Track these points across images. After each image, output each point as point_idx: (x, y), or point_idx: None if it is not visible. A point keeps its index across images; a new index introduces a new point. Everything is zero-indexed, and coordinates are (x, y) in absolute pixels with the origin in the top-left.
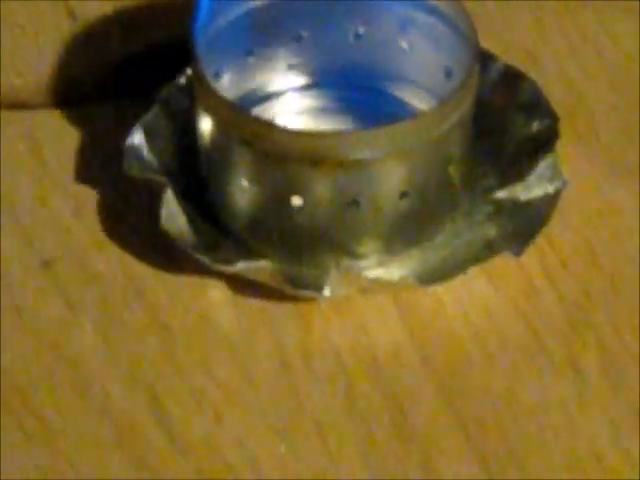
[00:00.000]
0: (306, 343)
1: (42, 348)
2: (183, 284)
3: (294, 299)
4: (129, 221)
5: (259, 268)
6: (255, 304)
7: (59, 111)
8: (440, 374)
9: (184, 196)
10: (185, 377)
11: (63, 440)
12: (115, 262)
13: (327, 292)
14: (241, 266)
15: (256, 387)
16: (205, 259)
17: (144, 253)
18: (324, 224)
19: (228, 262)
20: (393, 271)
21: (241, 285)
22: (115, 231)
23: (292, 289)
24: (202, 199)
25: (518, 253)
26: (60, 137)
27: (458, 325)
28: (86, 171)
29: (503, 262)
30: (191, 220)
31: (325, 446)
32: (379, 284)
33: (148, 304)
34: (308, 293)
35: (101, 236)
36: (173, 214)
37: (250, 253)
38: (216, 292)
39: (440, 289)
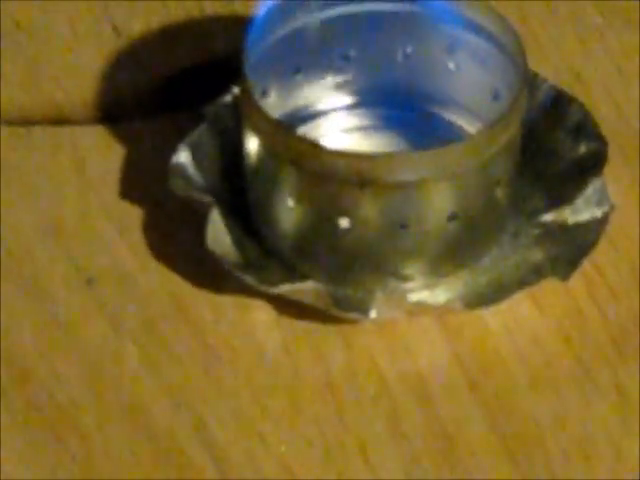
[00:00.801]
0: (350, 365)
1: (85, 366)
2: (228, 304)
3: (338, 320)
4: (174, 240)
5: (304, 289)
6: (300, 325)
7: (103, 127)
8: (486, 398)
9: (230, 215)
10: (229, 398)
11: (106, 459)
12: (159, 281)
13: (373, 314)
14: (286, 287)
15: (300, 409)
16: (251, 280)
17: (189, 272)
18: (371, 246)
19: (273, 283)
20: (439, 294)
21: (286, 306)
22: (159, 250)
23: (337, 311)
24: (248, 218)
25: (565, 278)
26: (104, 154)
27: (504, 349)
28: (130, 188)
29: (549, 286)
30: (237, 240)
31: (369, 468)
32: (425, 307)
33: (192, 324)
34: (354, 315)
35: (145, 254)
36: (219, 234)
37: (295, 274)
38: (261, 313)
39: (486, 312)
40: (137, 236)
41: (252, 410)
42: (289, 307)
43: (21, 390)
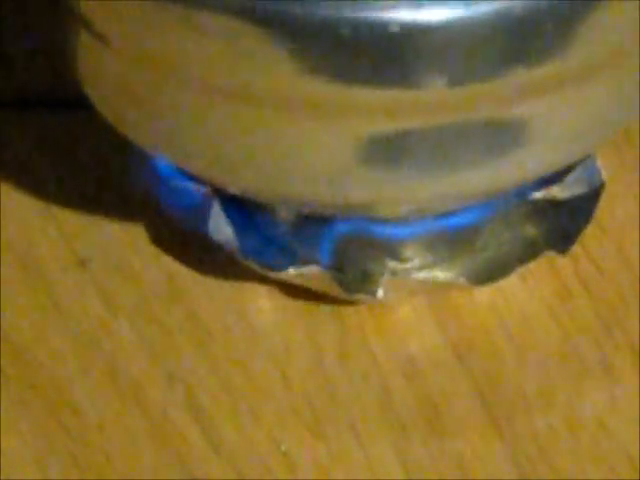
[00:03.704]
0: (342, 343)
1: (79, 345)
2: (221, 283)
3: (330, 300)
4: (167, 220)
5: (310, 273)
6: (291, 304)
7: (95, 111)
8: (474, 375)
9: (228, 202)
10: (221, 375)
11: (100, 434)
12: (153, 261)
13: (380, 295)
14: (292, 272)
15: (291, 386)
16: (256, 265)
17: (182, 252)
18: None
19: (278, 268)
20: (438, 273)
21: (278, 285)
22: (153, 230)
23: (345, 293)
24: (246, 206)
25: (564, 252)
26: (97, 137)
27: (492, 327)
28: (123, 171)
29: (537, 265)
30: (237, 226)
31: (360, 444)
32: (431, 285)
33: (185, 303)
34: (362, 297)
35: (139, 235)
36: (220, 222)
37: (296, 258)
38: (253, 291)
39: (475, 291)
40: (131, 217)
41: (244, 386)
42: (281, 286)
43: (17, 367)
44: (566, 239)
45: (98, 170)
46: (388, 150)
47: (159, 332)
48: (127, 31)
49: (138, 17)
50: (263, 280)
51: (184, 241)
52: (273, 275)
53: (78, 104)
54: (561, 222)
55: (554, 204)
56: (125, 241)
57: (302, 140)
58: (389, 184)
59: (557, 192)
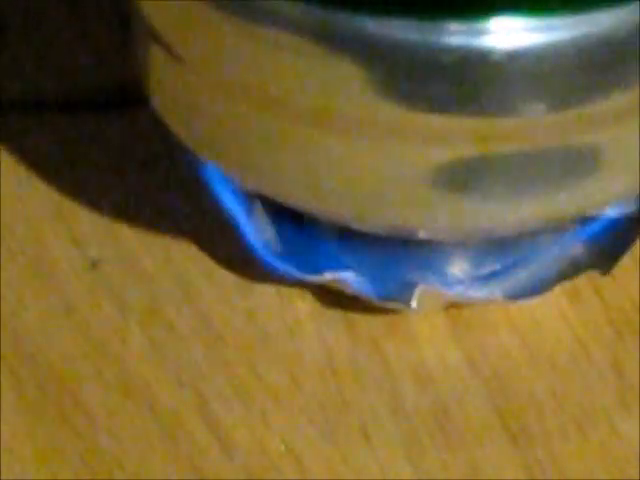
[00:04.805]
0: (353, 346)
1: (90, 347)
2: (232, 287)
3: (342, 304)
4: (178, 222)
5: (346, 278)
6: (303, 308)
7: (104, 113)
8: (486, 379)
9: (271, 204)
10: (232, 378)
11: (110, 437)
12: (164, 263)
13: (414, 305)
14: (328, 276)
15: (303, 390)
16: (292, 269)
17: (192, 254)
18: (412, 239)
19: (314, 272)
20: (480, 287)
21: (289, 287)
22: (163, 232)
23: (379, 301)
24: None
25: (606, 271)
26: (108, 138)
27: (504, 330)
28: (133, 172)
29: None
30: (278, 231)
31: (371, 449)
32: (466, 299)
33: (196, 305)
34: (395, 305)
35: (149, 237)
36: (261, 224)
37: (337, 264)
38: (264, 295)
39: None
40: (141, 219)
41: (255, 390)
42: (292, 288)
43: (27, 370)
44: (611, 259)
45: (110, 172)
46: (471, 176)
47: (170, 335)
48: (203, 52)
49: (214, 39)
50: (275, 283)
51: (196, 244)
52: (309, 279)
53: (91, 107)
54: (609, 241)
55: (604, 221)
56: (137, 243)
57: (385, 165)
58: (469, 210)
59: (609, 210)
